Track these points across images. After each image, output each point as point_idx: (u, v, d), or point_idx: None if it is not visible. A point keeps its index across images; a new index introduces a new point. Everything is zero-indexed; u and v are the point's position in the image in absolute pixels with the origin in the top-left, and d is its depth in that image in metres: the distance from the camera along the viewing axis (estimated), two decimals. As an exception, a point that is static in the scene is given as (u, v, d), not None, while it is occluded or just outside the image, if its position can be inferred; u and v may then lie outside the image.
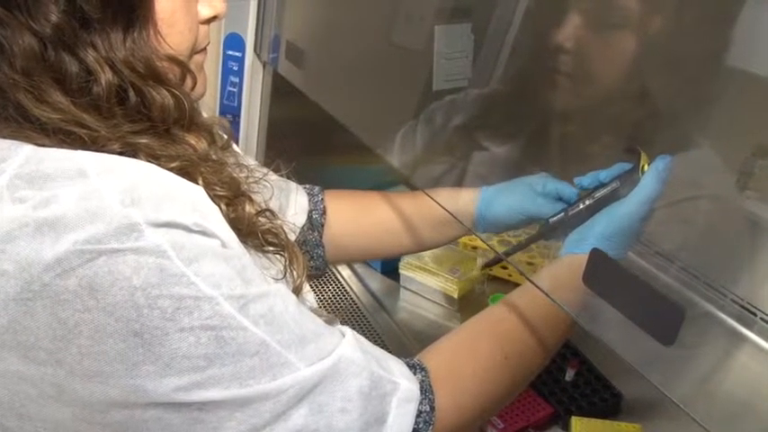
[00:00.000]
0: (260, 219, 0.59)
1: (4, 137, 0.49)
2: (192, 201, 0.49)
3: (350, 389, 0.52)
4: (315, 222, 0.85)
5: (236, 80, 1.26)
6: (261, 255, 0.59)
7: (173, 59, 0.54)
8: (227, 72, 1.26)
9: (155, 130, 0.52)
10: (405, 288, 1.16)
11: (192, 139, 0.56)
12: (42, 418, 0.47)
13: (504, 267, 1.16)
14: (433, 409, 0.56)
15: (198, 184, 0.52)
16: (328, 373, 0.51)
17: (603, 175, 0.71)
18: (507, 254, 0.84)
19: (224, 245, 0.49)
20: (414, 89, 0.98)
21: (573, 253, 0.66)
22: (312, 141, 1.26)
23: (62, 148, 0.48)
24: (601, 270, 0.54)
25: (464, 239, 1.20)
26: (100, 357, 0.44)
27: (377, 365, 0.54)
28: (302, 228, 0.83)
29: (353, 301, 1.14)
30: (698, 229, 0.74)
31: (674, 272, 0.78)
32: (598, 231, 0.65)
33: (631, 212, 0.65)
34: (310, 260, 0.85)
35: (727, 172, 0.71)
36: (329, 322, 0.68)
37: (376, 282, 1.18)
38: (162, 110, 0.52)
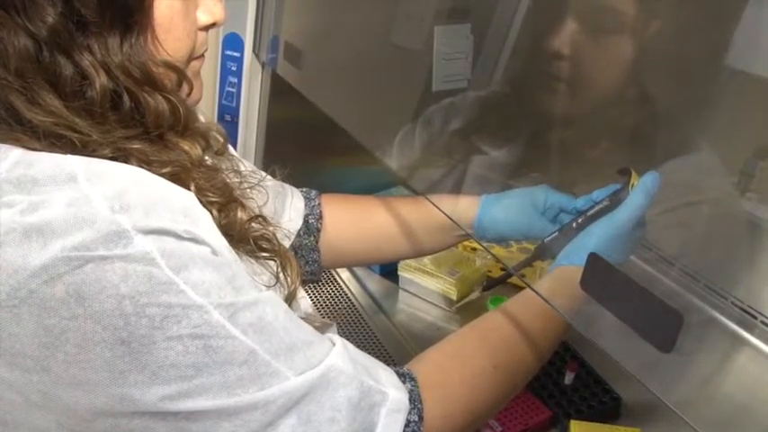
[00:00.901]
0: (252, 225, 0.58)
1: None
2: (182, 207, 0.49)
3: (339, 399, 0.51)
4: (311, 227, 0.84)
5: (235, 80, 1.25)
6: (254, 260, 0.58)
7: (169, 66, 0.54)
8: (225, 72, 1.25)
9: (148, 135, 0.52)
10: (403, 290, 1.15)
11: (186, 145, 0.55)
12: (27, 426, 0.46)
13: (503, 269, 1.16)
14: (421, 418, 0.56)
15: (190, 189, 0.52)
16: (317, 383, 0.50)
17: (596, 195, 0.71)
18: (509, 274, 0.87)
19: (214, 252, 0.49)
20: (412, 91, 0.97)
21: (561, 265, 0.67)
22: (311, 142, 1.25)
23: (53, 152, 0.48)
24: (598, 275, 0.54)
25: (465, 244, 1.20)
26: (86, 365, 0.44)
27: (366, 375, 0.54)
28: (298, 232, 0.83)
29: (352, 303, 1.14)
30: (698, 231, 0.73)
31: (675, 275, 0.78)
32: (586, 244, 0.65)
33: (618, 225, 0.65)
34: (305, 265, 0.84)
35: (727, 174, 0.71)
36: (324, 327, 0.68)
37: (374, 283, 1.17)
38: (156, 115, 0.52)
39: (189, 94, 0.57)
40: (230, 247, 0.52)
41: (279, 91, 1.24)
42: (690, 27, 0.68)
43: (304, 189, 0.88)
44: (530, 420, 0.88)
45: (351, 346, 0.56)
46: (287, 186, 0.84)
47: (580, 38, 0.76)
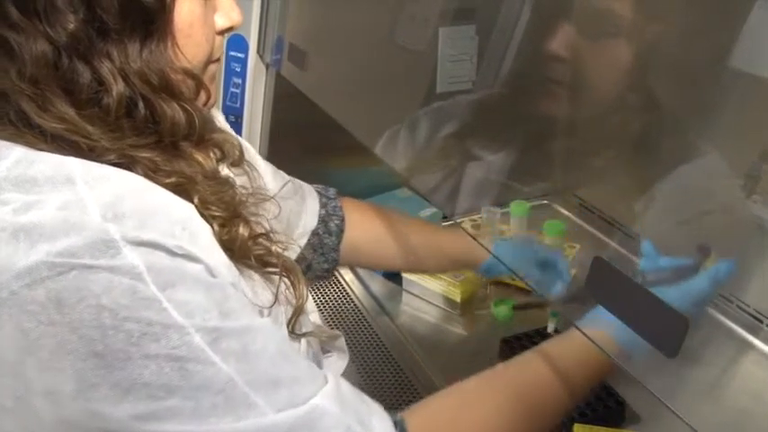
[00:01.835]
0: (256, 241, 0.57)
1: (3, 138, 0.48)
2: (181, 219, 0.48)
3: None
4: (332, 228, 0.85)
5: (239, 81, 1.25)
6: (258, 276, 0.57)
7: (187, 72, 0.53)
8: (229, 73, 1.25)
9: (161, 143, 0.51)
10: (407, 291, 1.15)
11: (200, 156, 0.54)
12: None
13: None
14: None
15: (193, 202, 0.51)
16: (299, 423, 0.48)
17: (663, 261, 0.70)
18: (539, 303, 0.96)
19: (209, 270, 0.48)
20: (416, 92, 0.97)
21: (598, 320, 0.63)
22: (315, 143, 1.25)
23: (57, 153, 0.47)
24: (604, 278, 0.53)
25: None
26: (58, 374, 0.43)
27: (355, 420, 0.51)
28: (316, 231, 0.83)
29: (355, 305, 1.14)
30: (703, 235, 0.73)
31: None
32: None
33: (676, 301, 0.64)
34: (324, 263, 0.86)
35: (732, 177, 0.70)
36: (332, 338, 0.67)
37: (378, 285, 1.17)
38: (171, 124, 0.51)
39: (206, 103, 0.57)
40: (230, 264, 0.51)
41: (283, 92, 1.24)
42: (693, 30, 0.68)
43: (321, 186, 0.89)
44: (533, 424, 0.88)
45: (346, 386, 0.53)
46: (304, 185, 0.85)
47: (579, 41, 0.76)
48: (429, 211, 1.27)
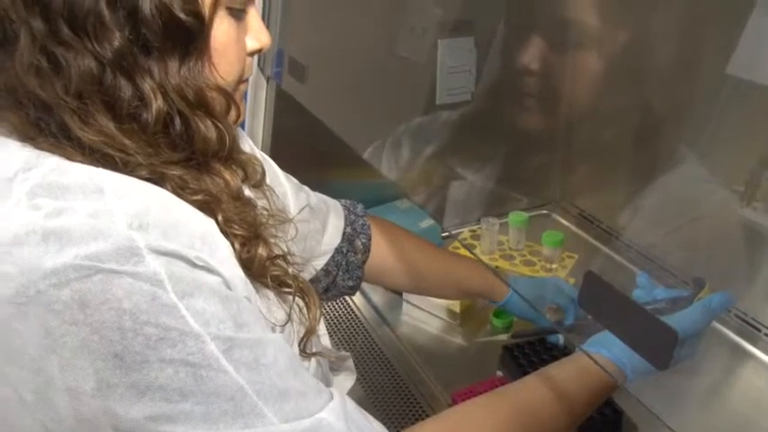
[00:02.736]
0: (273, 262, 0.59)
1: (43, 149, 0.50)
2: (201, 233, 0.50)
3: None
4: (358, 247, 0.87)
5: (241, 94, 1.26)
6: (273, 295, 0.59)
7: (221, 90, 0.55)
8: (231, 86, 1.26)
9: (194, 160, 0.54)
10: (407, 302, 1.16)
11: (227, 174, 0.56)
12: (17, 426, 0.47)
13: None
14: None
15: (217, 219, 0.53)
16: None
17: (659, 292, 0.72)
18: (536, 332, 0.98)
19: (226, 283, 0.50)
20: (415, 105, 0.98)
21: (592, 351, 0.67)
22: (316, 155, 1.26)
23: (93, 166, 0.49)
24: (595, 292, 0.54)
25: (466, 252, 1.20)
26: (78, 372, 0.45)
27: None
28: (340, 249, 0.85)
29: (356, 315, 1.14)
30: (700, 245, 0.73)
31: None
32: None
33: None
34: (348, 280, 0.87)
35: (727, 185, 0.71)
36: (341, 360, 0.68)
37: (378, 295, 1.18)
38: (204, 141, 0.53)
39: (236, 121, 0.59)
40: (247, 280, 0.53)
41: (284, 104, 1.26)
42: (691, 39, 0.68)
43: (349, 202, 0.90)
44: (532, 433, 0.88)
45: (351, 405, 0.55)
46: (329, 201, 0.86)
47: (551, 55, 0.77)
48: (428, 223, 1.27)
